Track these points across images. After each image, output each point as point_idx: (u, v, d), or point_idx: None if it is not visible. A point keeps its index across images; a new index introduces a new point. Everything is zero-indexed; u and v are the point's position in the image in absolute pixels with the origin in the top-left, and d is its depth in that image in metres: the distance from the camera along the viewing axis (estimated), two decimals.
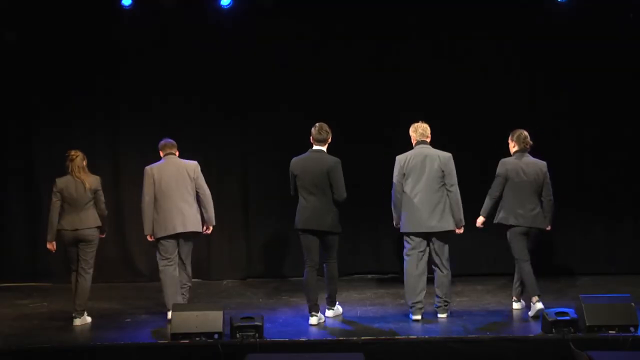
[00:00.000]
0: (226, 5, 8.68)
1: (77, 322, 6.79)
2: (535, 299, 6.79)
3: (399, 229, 6.93)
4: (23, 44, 8.77)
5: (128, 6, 8.62)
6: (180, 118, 8.91)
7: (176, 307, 6.18)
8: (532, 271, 6.86)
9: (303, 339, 5.93)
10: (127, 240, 8.93)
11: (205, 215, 7.05)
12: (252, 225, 9.12)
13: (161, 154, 7.06)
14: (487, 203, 7.03)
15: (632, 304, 5.97)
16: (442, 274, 6.78)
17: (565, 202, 8.89)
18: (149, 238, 6.99)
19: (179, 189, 6.88)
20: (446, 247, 6.80)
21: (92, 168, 7.97)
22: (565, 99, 8.99)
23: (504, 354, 5.79)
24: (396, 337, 6.01)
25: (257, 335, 5.77)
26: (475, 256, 8.83)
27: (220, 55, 8.89)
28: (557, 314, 5.89)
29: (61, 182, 6.88)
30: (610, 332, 5.81)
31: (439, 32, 8.87)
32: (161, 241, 6.87)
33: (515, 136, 7.00)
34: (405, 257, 6.84)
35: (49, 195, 6.95)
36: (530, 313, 6.85)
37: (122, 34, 8.85)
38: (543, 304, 6.66)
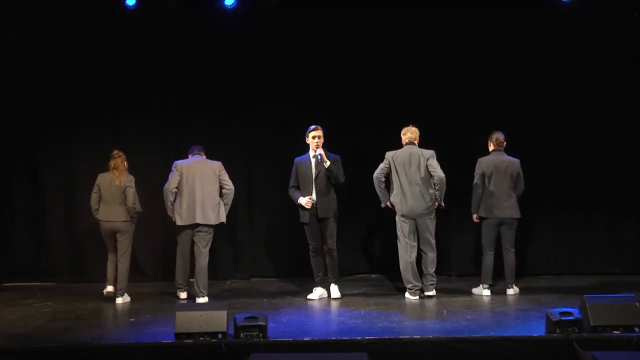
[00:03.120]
0: (230, 6, 8.68)
1: (119, 300, 7.59)
2: (483, 285, 7.75)
3: (386, 207, 7.74)
4: (25, 44, 8.76)
5: (132, 6, 8.62)
6: (182, 118, 8.92)
7: (180, 307, 6.22)
8: (493, 263, 7.76)
9: (307, 338, 5.92)
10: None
11: (222, 209, 7.64)
12: (256, 225, 9.12)
13: (189, 156, 7.75)
14: (474, 200, 7.84)
15: (637, 303, 5.94)
16: (431, 255, 7.58)
17: (569, 202, 8.95)
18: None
19: (202, 185, 7.53)
20: (432, 230, 7.57)
21: (95, 168, 8.04)
22: (567, 98, 8.98)
23: (507, 354, 5.77)
24: (400, 337, 5.99)
25: (260, 335, 5.76)
26: (478, 256, 8.82)
27: (222, 55, 8.88)
28: (561, 314, 5.85)
29: (100, 177, 7.75)
30: (614, 332, 5.79)
31: (440, 32, 8.86)
32: (179, 229, 7.61)
33: (491, 138, 7.82)
34: (399, 243, 7.60)
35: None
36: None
37: (124, 34, 8.84)
38: (546, 303, 6.73)
